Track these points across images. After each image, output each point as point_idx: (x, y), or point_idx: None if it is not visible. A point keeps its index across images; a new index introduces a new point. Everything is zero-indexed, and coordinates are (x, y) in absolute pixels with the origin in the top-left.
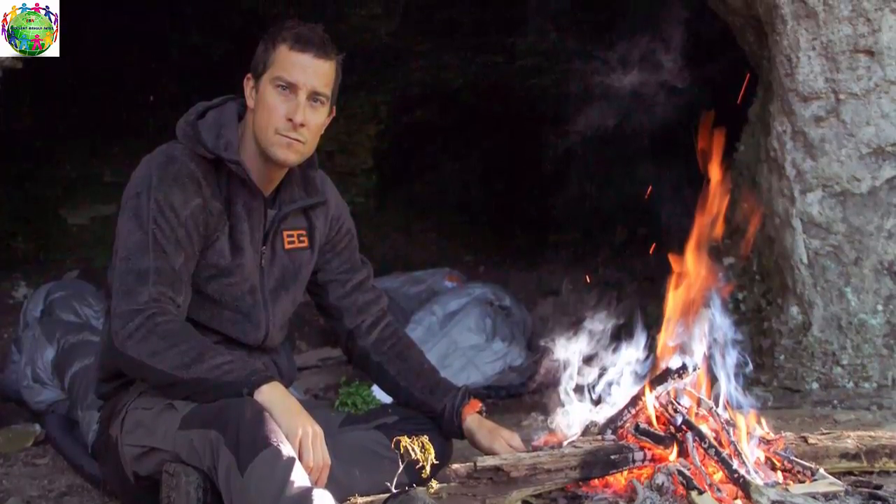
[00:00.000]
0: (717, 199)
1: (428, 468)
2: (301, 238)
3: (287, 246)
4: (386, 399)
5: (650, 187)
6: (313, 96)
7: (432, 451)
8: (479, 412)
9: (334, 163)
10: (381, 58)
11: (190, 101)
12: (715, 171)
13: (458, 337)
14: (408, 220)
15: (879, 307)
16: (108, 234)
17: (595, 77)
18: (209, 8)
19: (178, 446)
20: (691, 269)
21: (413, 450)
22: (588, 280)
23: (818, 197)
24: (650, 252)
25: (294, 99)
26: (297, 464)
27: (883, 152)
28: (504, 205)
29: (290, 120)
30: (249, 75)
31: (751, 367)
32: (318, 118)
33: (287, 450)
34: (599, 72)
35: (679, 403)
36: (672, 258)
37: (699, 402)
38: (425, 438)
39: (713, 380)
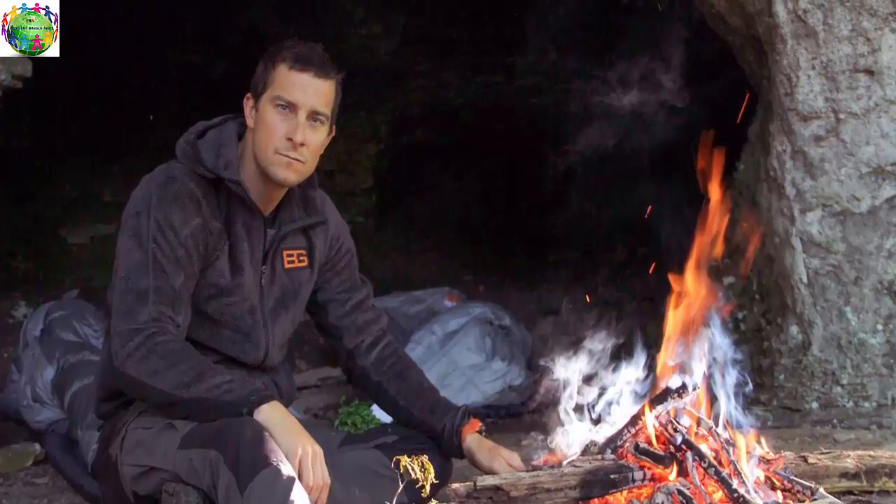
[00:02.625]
0: (716, 218)
1: (428, 488)
2: (301, 257)
3: (287, 265)
4: (385, 418)
5: (650, 207)
6: (313, 116)
7: (432, 470)
8: (479, 431)
9: (334, 182)
10: (380, 77)
11: (190, 121)
12: (715, 191)
13: (457, 356)
14: (407, 240)
15: (879, 326)
16: (108, 254)
17: (595, 96)
18: (209, 27)
19: (178, 466)
20: (691, 289)
21: (413, 469)
22: (588, 299)
23: (818, 216)
24: (650, 271)
25: (294, 118)
26: (297, 483)
27: (883, 172)
28: (504, 224)
29: (290, 139)
30: (249, 95)
31: (750, 386)
32: (317, 138)
33: (287, 469)
34: (599, 91)
35: (679, 423)
36: (672, 277)
37: (699, 422)
38: (425, 458)
39: (713, 399)
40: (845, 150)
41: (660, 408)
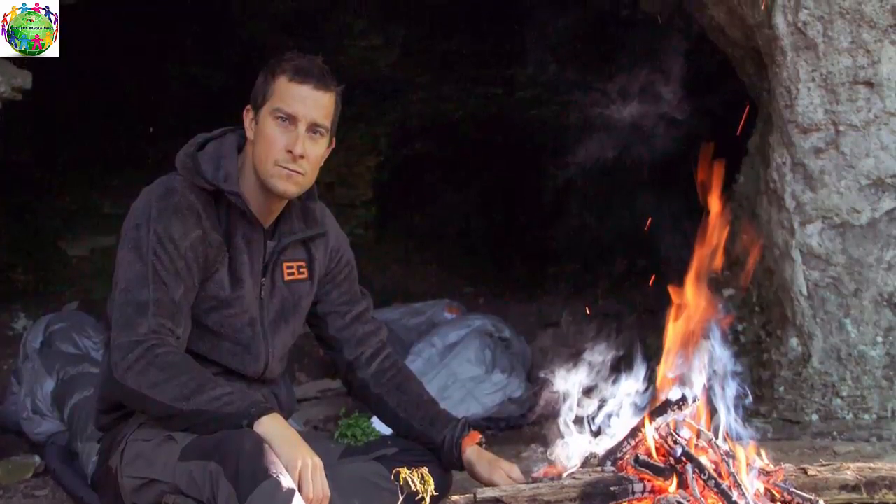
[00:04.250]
0: (716, 230)
1: (427, 500)
2: (301, 269)
3: (287, 277)
4: (385, 430)
5: (650, 219)
6: (313, 128)
7: (432, 482)
8: (479, 444)
9: (334, 194)
10: (380, 89)
11: (190, 133)
12: (714, 203)
13: (457, 368)
14: (407, 252)
15: (879, 339)
16: (108, 266)
17: (595, 108)
18: (209, 39)
19: (178, 478)
20: (691, 301)
21: (413, 481)
22: (588, 312)
23: (818, 228)
24: (650, 284)
25: (294, 130)
26: (297, 495)
27: (882, 184)
28: (504, 236)
29: (290, 151)
30: (249, 107)
31: (750, 398)
32: (317, 150)
33: (287, 481)
34: (599, 103)
35: (679, 435)
36: (672, 290)
37: (699, 434)
38: (425, 470)
39: (713, 411)
40: (845, 163)
41: (660, 420)
